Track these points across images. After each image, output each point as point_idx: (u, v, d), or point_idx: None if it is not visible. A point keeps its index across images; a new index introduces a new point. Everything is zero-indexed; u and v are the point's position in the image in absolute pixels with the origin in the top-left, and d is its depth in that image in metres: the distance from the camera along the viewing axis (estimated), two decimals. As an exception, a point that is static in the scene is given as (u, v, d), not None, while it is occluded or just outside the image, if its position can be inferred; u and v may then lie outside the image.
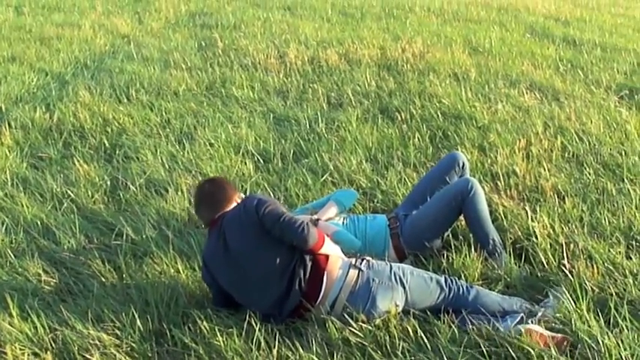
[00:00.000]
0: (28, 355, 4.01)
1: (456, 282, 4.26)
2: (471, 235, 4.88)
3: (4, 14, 13.19)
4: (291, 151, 6.50)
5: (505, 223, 5.06)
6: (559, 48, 10.08)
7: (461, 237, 4.96)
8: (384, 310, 4.09)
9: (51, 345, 4.09)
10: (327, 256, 4.21)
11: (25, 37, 11.28)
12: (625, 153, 6.16)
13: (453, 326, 3.97)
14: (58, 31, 11.53)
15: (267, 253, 4.13)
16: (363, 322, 4.00)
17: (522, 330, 3.86)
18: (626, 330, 3.87)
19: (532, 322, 4.01)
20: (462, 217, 4.91)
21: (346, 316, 4.04)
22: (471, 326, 3.98)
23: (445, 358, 3.79)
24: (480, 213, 4.76)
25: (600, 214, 5.12)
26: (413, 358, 3.83)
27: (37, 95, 8.35)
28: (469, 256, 4.65)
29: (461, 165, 5.20)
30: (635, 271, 4.40)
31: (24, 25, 12.13)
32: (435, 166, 5.45)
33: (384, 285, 4.12)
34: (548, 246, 4.72)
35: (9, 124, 7.36)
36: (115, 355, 3.96)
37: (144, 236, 5.14)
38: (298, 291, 4.11)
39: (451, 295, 4.20)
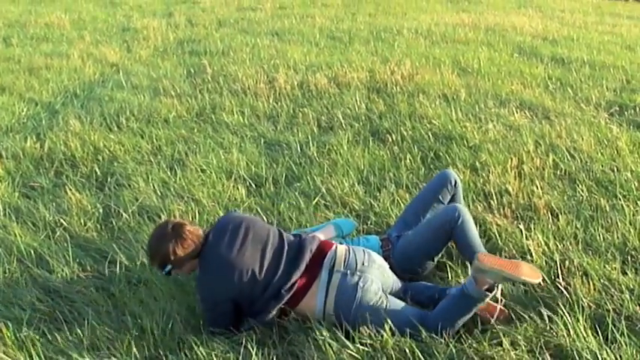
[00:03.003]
0: (24, 385, 3.99)
1: None
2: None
3: (-7, 45, 13.22)
4: (283, 175, 6.50)
5: (499, 241, 5.05)
6: (548, 67, 10.14)
7: (455, 257, 4.95)
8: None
9: (46, 374, 4.07)
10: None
11: (14, 68, 11.28)
12: (617, 169, 6.17)
13: (451, 346, 3.96)
14: (46, 61, 11.54)
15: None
16: (362, 336, 3.99)
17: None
18: (624, 345, 3.87)
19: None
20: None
21: (342, 337, 4.03)
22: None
23: (444, 378, 3.78)
24: (470, 239, 4.74)
25: (594, 230, 5.13)
26: (411, 378, 3.82)
27: (27, 125, 8.34)
28: (463, 277, 4.65)
29: (453, 183, 5.17)
30: (631, 286, 4.40)
31: (13, 56, 12.14)
32: (427, 185, 5.42)
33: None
34: (544, 263, 4.72)
35: (0, 154, 7.34)
36: (111, 383, 3.94)
37: (137, 263, 5.12)
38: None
39: None
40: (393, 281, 4.55)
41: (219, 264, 4.27)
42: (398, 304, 4.29)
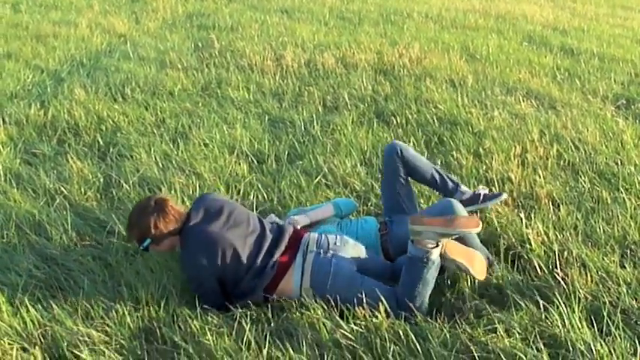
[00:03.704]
0: (17, 349, 3.98)
1: None
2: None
3: (1, 11, 13.16)
4: (286, 153, 6.49)
5: (499, 229, 5.04)
6: (556, 57, 10.09)
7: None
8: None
9: (40, 340, 4.06)
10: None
11: (21, 35, 11.25)
12: (621, 162, 6.15)
13: (445, 330, 3.96)
14: (54, 29, 11.51)
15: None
16: (357, 319, 3.99)
17: None
18: (619, 339, 3.86)
19: None
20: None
21: (336, 316, 4.03)
22: None
23: (436, 362, 3.78)
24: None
25: (595, 222, 5.11)
26: (404, 361, 3.82)
27: (32, 92, 8.32)
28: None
29: (396, 154, 5.07)
30: (628, 279, 4.39)
31: (21, 23, 12.11)
32: (383, 167, 5.26)
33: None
34: (542, 253, 4.71)
35: (3, 120, 7.33)
36: (104, 352, 3.93)
37: (136, 234, 5.11)
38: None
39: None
40: (375, 262, 4.60)
41: (203, 239, 4.30)
42: (372, 281, 4.31)
